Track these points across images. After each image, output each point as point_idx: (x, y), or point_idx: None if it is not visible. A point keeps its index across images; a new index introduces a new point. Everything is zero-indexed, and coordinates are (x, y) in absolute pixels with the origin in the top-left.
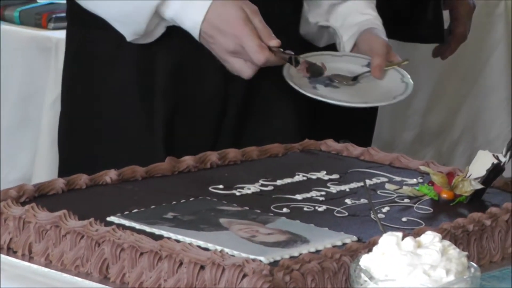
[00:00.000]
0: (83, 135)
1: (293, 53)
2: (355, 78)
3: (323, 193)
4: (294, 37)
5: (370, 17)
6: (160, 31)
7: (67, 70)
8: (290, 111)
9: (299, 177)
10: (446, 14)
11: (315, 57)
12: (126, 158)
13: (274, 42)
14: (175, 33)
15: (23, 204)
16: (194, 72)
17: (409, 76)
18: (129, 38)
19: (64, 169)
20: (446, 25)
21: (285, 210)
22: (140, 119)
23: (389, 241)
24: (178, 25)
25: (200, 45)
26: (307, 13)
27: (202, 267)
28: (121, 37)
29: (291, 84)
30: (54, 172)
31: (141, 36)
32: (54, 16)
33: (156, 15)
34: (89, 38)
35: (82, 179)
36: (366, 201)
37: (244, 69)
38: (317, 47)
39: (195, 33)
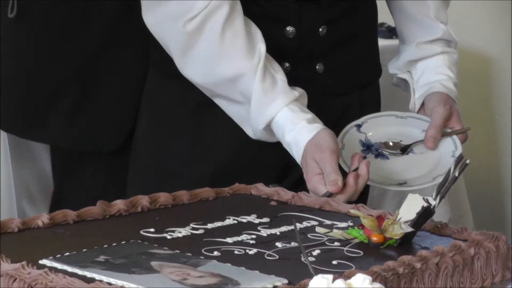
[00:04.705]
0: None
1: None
2: (405, 150)
3: (253, 236)
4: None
5: (443, 78)
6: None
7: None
8: None
9: (229, 221)
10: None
11: (379, 118)
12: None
13: (331, 188)
14: None
15: None
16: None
17: (460, 150)
18: (252, 137)
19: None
20: None
21: (216, 253)
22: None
23: (319, 283)
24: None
25: None
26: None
27: None
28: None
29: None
30: None
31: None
32: None
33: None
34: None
35: (14, 222)
36: (296, 244)
37: None
38: None
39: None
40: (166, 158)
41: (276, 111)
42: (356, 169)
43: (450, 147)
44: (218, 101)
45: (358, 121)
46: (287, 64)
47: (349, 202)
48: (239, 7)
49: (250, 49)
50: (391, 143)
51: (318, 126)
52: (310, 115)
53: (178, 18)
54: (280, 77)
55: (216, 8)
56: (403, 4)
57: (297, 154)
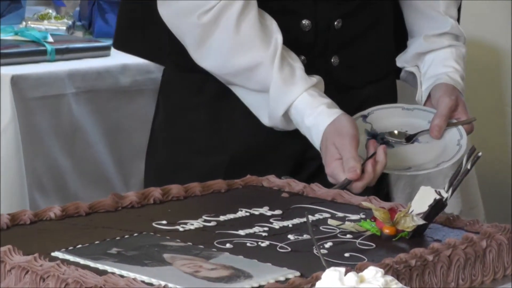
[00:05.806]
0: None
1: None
2: (410, 139)
3: (266, 228)
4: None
5: (450, 70)
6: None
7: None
8: None
9: (242, 213)
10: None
11: (385, 110)
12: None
13: (350, 175)
14: None
15: None
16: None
17: (466, 139)
18: (267, 124)
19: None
20: None
21: (228, 245)
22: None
23: (332, 276)
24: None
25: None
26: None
27: None
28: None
29: None
30: None
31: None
32: None
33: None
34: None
35: (26, 214)
36: (309, 236)
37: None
38: None
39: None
40: (182, 149)
41: (296, 96)
42: (373, 155)
43: (456, 136)
44: (235, 90)
45: (364, 112)
46: (302, 57)
47: (367, 188)
48: (253, 0)
49: (265, 39)
50: (396, 132)
51: (337, 111)
52: (328, 99)
53: (193, 10)
54: (298, 65)
55: (231, 0)
56: None
57: (316, 138)
